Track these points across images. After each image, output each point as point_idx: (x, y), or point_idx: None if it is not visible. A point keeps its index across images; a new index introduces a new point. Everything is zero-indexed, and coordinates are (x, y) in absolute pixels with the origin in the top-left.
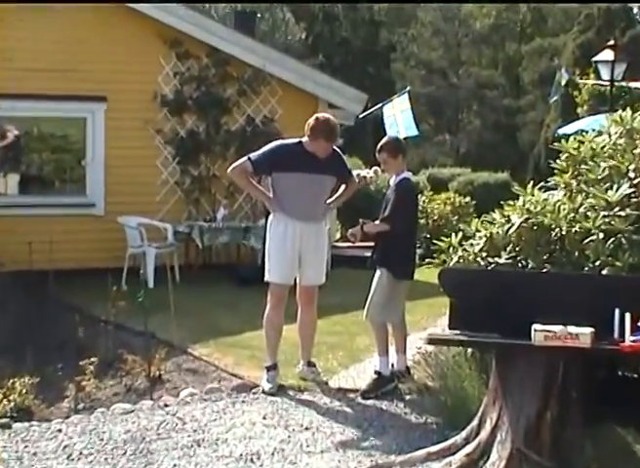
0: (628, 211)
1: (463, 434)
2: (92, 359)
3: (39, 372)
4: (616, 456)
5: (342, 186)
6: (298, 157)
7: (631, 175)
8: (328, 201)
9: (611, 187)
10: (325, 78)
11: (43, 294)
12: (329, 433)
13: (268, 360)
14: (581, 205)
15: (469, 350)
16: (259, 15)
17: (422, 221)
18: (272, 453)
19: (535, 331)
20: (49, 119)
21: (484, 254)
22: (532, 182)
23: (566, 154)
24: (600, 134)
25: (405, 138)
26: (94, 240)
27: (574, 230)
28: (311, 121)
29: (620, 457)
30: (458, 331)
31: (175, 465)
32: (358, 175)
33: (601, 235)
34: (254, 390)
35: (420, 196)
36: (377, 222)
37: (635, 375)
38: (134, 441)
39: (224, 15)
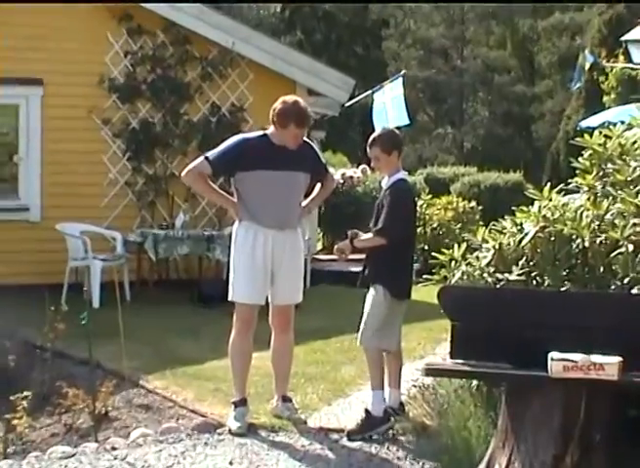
0: None
1: None
2: (25, 393)
3: None
4: None
5: (318, 185)
6: (264, 152)
7: None
8: (303, 203)
9: None
10: (304, 59)
11: None
12: None
13: (236, 394)
14: (608, 211)
15: (474, 383)
16: None
17: (419, 230)
18: None
19: (552, 360)
20: None
21: (492, 270)
22: (549, 184)
23: (590, 151)
24: (630, 127)
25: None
26: (28, 251)
27: (599, 241)
28: (277, 105)
29: None
30: (460, 361)
31: None
32: (343, 174)
33: (631, 247)
34: (218, 430)
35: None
36: (369, 235)
37: None
38: None
39: None
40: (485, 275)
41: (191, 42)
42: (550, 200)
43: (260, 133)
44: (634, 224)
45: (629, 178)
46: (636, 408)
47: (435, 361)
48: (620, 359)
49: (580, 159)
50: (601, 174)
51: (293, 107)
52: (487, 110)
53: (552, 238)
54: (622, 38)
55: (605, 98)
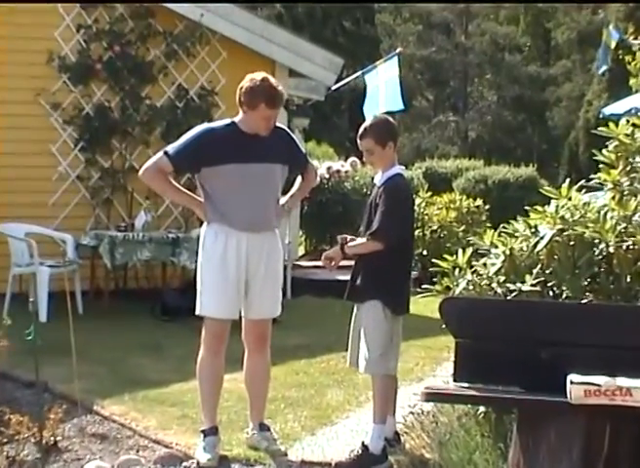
0: None
1: None
2: None
3: None
4: None
5: (298, 179)
6: (232, 143)
7: None
8: (281, 201)
9: None
10: (285, 35)
11: None
12: None
13: (205, 421)
14: (636, 212)
15: (481, 409)
16: None
17: (417, 233)
18: None
19: (571, 383)
20: None
21: (502, 279)
22: (567, 180)
23: (615, 142)
24: None
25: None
26: None
27: (625, 246)
28: (244, 83)
29: None
30: (465, 384)
31: None
32: (329, 168)
33: None
34: (185, 463)
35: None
36: (363, 239)
37: None
38: None
39: None
40: (494, 285)
41: (154, 15)
42: (569, 199)
43: (228, 121)
44: None
45: None
46: None
47: (436, 384)
48: None
49: (603, 151)
50: (628, 168)
51: (262, 84)
52: (495, 94)
53: (571, 242)
54: None
55: (632, 81)
